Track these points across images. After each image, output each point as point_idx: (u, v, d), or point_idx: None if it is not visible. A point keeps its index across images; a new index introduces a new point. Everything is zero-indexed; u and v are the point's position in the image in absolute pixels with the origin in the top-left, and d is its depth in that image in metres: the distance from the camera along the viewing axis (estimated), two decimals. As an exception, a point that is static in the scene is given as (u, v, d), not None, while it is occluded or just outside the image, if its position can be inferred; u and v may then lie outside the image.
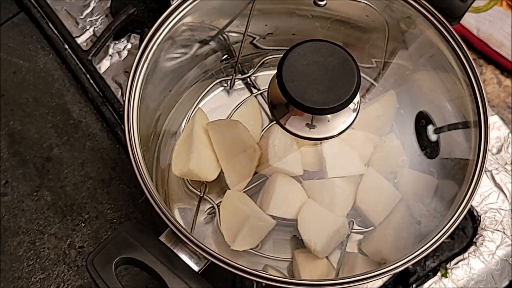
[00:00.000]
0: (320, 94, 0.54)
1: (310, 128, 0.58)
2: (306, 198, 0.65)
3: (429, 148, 0.69)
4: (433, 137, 0.68)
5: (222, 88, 0.71)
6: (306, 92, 0.54)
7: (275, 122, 0.64)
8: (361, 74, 0.62)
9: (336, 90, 0.54)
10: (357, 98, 0.58)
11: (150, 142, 0.65)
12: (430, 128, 0.68)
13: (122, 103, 0.76)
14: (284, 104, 0.57)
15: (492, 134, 0.76)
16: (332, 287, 0.54)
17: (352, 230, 0.66)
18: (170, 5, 0.63)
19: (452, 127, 0.65)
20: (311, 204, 0.64)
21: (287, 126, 0.58)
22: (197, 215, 0.66)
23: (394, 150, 0.68)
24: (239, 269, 0.54)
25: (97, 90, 0.77)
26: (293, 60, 0.55)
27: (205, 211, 0.67)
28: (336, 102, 0.54)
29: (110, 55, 0.79)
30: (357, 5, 0.66)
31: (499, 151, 0.76)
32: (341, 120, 0.58)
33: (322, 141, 0.64)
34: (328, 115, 0.57)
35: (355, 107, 0.58)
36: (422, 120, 0.69)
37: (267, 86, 0.71)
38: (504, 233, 0.72)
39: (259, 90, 0.72)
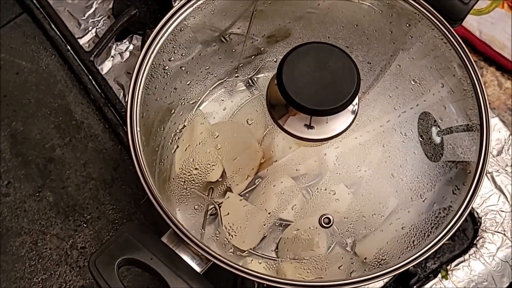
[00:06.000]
0: (319, 95, 0.54)
1: (308, 129, 0.58)
2: (306, 200, 0.65)
3: (431, 151, 0.69)
4: (436, 139, 0.68)
5: (224, 89, 0.72)
6: (305, 93, 0.54)
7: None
8: (362, 75, 0.63)
9: (335, 91, 0.54)
10: (356, 100, 0.58)
11: (152, 142, 0.66)
12: (434, 130, 0.68)
13: (124, 104, 0.77)
14: (283, 105, 0.58)
15: (493, 136, 0.76)
16: (333, 288, 0.55)
17: (353, 234, 0.66)
18: (172, 6, 0.63)
19: (453, 129, 0.65)
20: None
21: (285, 127, 0.58)
22: (206, 219, 0.66)
23: (395, 152, 0.68)
24: (240, 270, 0.54)
25: (99, 91, 0.78)
26: (293, 61, 0.55)
27: (207, 212, 0.67)
28: (335, 103, 0.54)
29: (112, 56, 0.80)
30: (360, 6, 0.66)
31: (499, 153, 0.76)
32: (339, 121, 0.58)
33: (322, 143, 0.64)
34: (327, 117, 0.57)
35: (354, 109, 0.58)
36: (424, 122, 0.70)
37: (268, 87, 0.72)
38: (504, 235, 0.72)
39: (261, 91, 0.72)
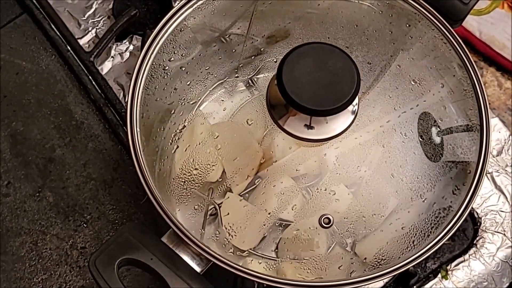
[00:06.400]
0: (319, 96, 0.54)
1: (308, 129, 0.58)
2: (306, 200, 0.65)
3: (431, 151, 0.69)
4: (436, 139, 0.68)
5: (224, 89, 0.72)
6: (305, 93, 0.54)
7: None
8: (362, 75, 0.63)
9: (335, 92, 0.54)
10: (356, 100, 0.58)
11: (152, 143, 0.66)
12: (433, 130, 0.68)
13: (124, 105, 0.77)
14: (283, 105, 0.58)
15: (493, 137, 0.76)
16: (333, 288, 0.55)
17: (353, 234, 0.66)
18: (172, 7, 0.63)
19: (453, 129, 0.65)
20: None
21: (285, 127, 0.58)
22: (206, 220, 0.66)
23: (395, 153, 0.68)
24: (240, 270, 0.54)
25: (99, 91, 0.78)
26: (293, 61, 0.55)
27: (207, 212, 0.67)
28: (335, 103, 0.54)
29: (112, 57, 0.80)
30: (360, 6, 0.66)
31: (499, 153, 0.76)
32: (339, 122, 0.58)
33: (322, 143, 0.64)
34: (327, 117, 0.57)
35: (354, 109, 0.58)
36: (424, 122, 0.70)
37: (268, 88, 0.72)
38: (504, 235, 0.72)
39: (261, 91, 0.72)
